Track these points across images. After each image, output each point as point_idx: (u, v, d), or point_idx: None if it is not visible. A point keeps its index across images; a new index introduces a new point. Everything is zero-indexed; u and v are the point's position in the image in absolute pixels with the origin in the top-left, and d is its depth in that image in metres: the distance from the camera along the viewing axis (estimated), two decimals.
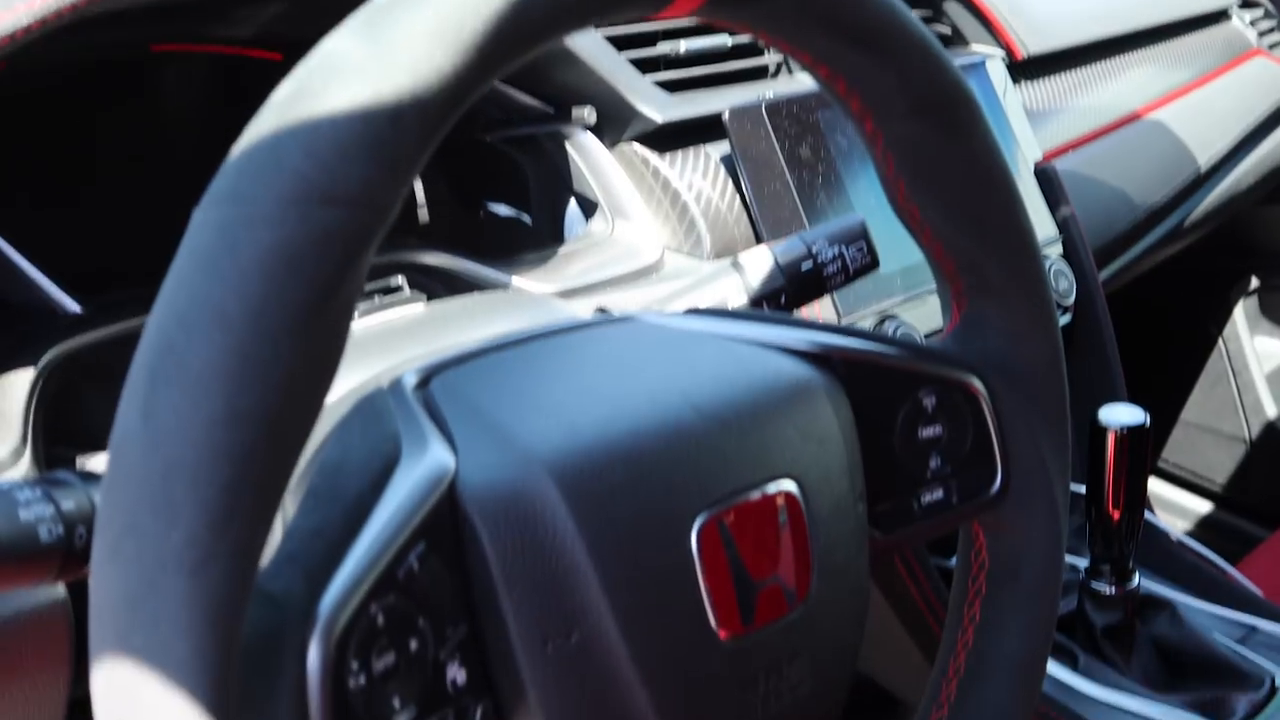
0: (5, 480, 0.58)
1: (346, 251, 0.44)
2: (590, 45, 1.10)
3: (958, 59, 0.66)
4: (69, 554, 0.57)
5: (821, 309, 1.10)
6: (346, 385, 0.70)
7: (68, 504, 0.57)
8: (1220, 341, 2.24)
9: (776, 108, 1.13)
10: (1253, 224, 2.15)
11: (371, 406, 0.59)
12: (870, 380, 0.69)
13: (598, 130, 1.13)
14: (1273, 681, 1.14)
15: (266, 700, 0.46)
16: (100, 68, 1.09)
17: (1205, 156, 1.75)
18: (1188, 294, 2.26)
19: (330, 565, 0.49)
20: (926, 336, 1.13)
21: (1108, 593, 1.16)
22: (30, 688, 0.72)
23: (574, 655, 0.55)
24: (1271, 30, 2.04)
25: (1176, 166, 1.71)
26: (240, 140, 0.45)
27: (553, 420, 0.57)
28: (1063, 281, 1.35)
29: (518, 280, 0.99)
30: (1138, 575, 1.17)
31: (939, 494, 0.72)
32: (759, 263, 0.85)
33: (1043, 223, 1.37)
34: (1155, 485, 2.36)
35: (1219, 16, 1.92)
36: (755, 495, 0.60)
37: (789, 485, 0.61)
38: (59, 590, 0.72)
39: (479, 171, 1.22)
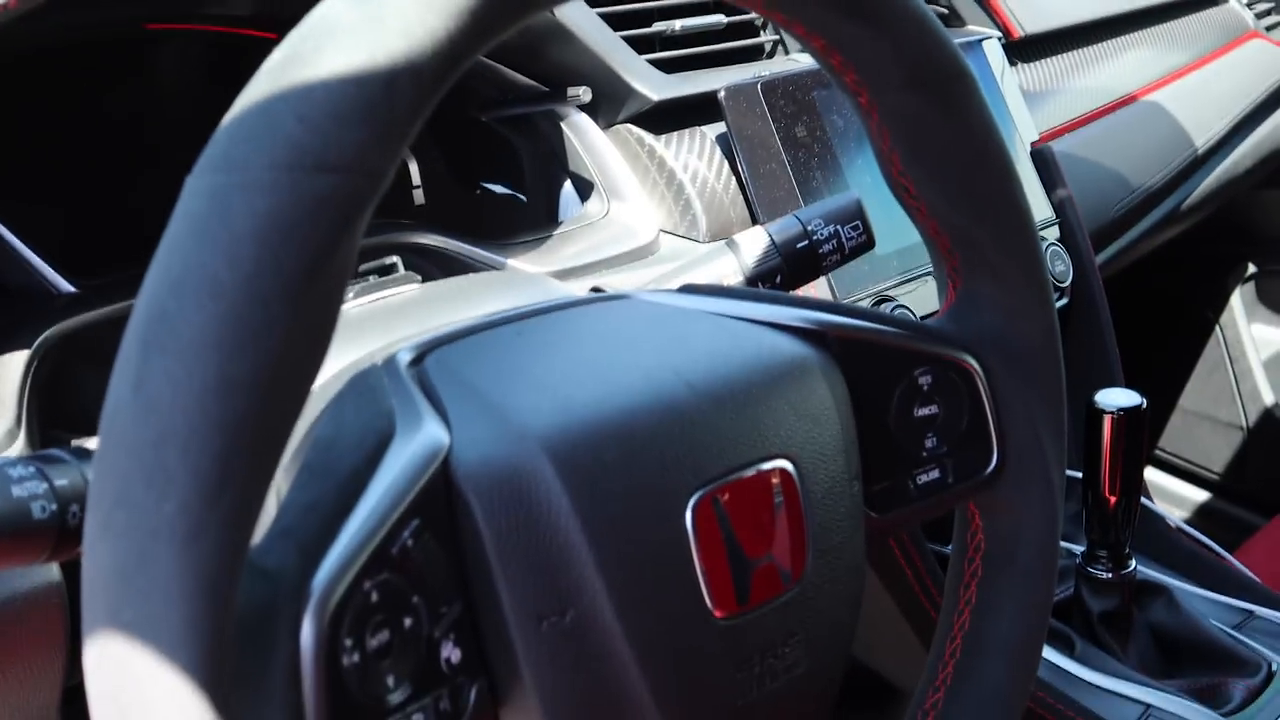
0: None
1: (340, 217, 0.43)
2: (586, 24, 1.09)
3: (954, 38, 0.65)
4: (63, 532, 0.56)
5: (818, 290, 1.10)
6: (341, 363, 0.70)
7: (61, 481, 0.57)
8: (1217, 328, 2.24)
9: (773, 87, 1.13)
10: (1250, 209, 2.15)
11: (365, 383, 0.59)
12: (865, 358, 0.68)
13: (593, 110, 1.13)
14: (1269, 667, 1.14)
15: (260, 676, 0.45)
16: (95, 48, 1.08)
17: (1202, 139, 1.74)
18: (1185, 280, 2.26)
19: (324, 541, 0.49)
20: (923, 318, 1.13)
21: (1104, 578, 1.16)
22: (24, 672, 0.72)
23: (569, 634, 0.55)
24: (1269, 12, 2.04)
25: (1173, 148, 1.70)
26: (233, 107, 0.44)
27: (547, 397, 0.57)
28: (1059, 264, 1.35)
29: (513, 261, 0.99)
30: (1134, 561, 1.16)
31: (935, 474, 0.72)
32: (754, 242, 0.85)
33: (1039, 204, 1.37)
34: (1152, 474, 2.35)
35: None
36: (750, 473, 0.59)
37: (784, 463, 0.61)
38: (54, 573, 0.71)
39: (474, 152, 1.22)
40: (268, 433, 0.43)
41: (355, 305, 0.83)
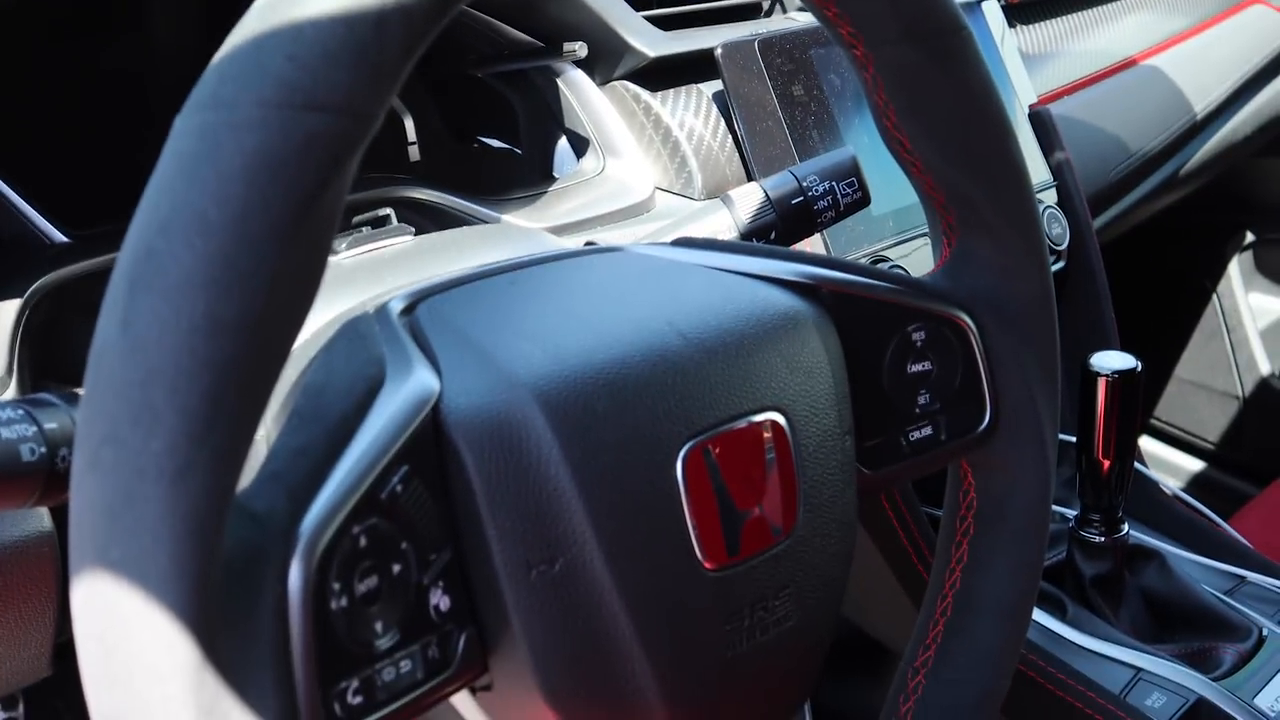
0: None
1: (329, 157, 0.43)
2: None
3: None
4: (51, 475, 0.56)
5: (813, 249, 1.10)
6: (332, 313, 0.70)
7: (51, 425, 0.57)
8: (1215, 297, 2.24)
9: (770, 45, 1.12)
10: (1249, 177, 2.15)
11: (356, 330, 0.58)
12: (859, 313, 0.68)
13: (589, 66, 1.13)
14: (1260, 632, 1.14)
15: (247, 618, 0.45)
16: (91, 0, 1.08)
17: (1202, 103, 1.74)
18: (1183, 249, 2.26)
19: (313, 485, 0.49)
20: None
21: (1097, 542, 1.16)
22: (14, 622, 0.72)
23: (558, 582, 0.55)
24: None
25: (1172, 112, 1.70)
26: (224, 46, 0.44)
27: (538, 346, 0.57)
28: (1056, 227, 1.34)
29: (508, 217, 0.99)
30: (1127, 525, 1.17)
31: (928, 430, 0.72)
32: (749, 198, 0.85)
33: (1036, 167, 1.37)
34: (1148, 443, 2.36)
35: None
36: (741, 424, 0.59)
37: (775, 416, 0.61)
38: (45, 522, 0.71)
39: (470, 108, 1.21)
40: (255, 373, 0.43)
41: (347, 256, 0.83)
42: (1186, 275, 2.27)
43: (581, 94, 1.11)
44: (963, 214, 0.70)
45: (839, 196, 0.86)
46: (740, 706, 0.62)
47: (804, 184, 0.86)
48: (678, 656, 0.58)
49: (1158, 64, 1.69)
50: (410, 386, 0.54)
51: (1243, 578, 1.24)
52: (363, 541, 0.49)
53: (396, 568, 0.51)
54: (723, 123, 1.14)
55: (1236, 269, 2.22)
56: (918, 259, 1.16)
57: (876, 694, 0.77)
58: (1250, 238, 2.20)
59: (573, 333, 0.58)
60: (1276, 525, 1.58)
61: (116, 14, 1.11)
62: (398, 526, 0.51)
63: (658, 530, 0.56)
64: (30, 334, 0.77)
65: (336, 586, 0.48)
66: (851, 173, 0.87)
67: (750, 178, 1.12)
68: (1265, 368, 2.18)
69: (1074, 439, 1.15)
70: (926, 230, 0.74)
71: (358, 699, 0.49)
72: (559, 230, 0.98)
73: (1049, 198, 1.37)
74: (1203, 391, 2.27)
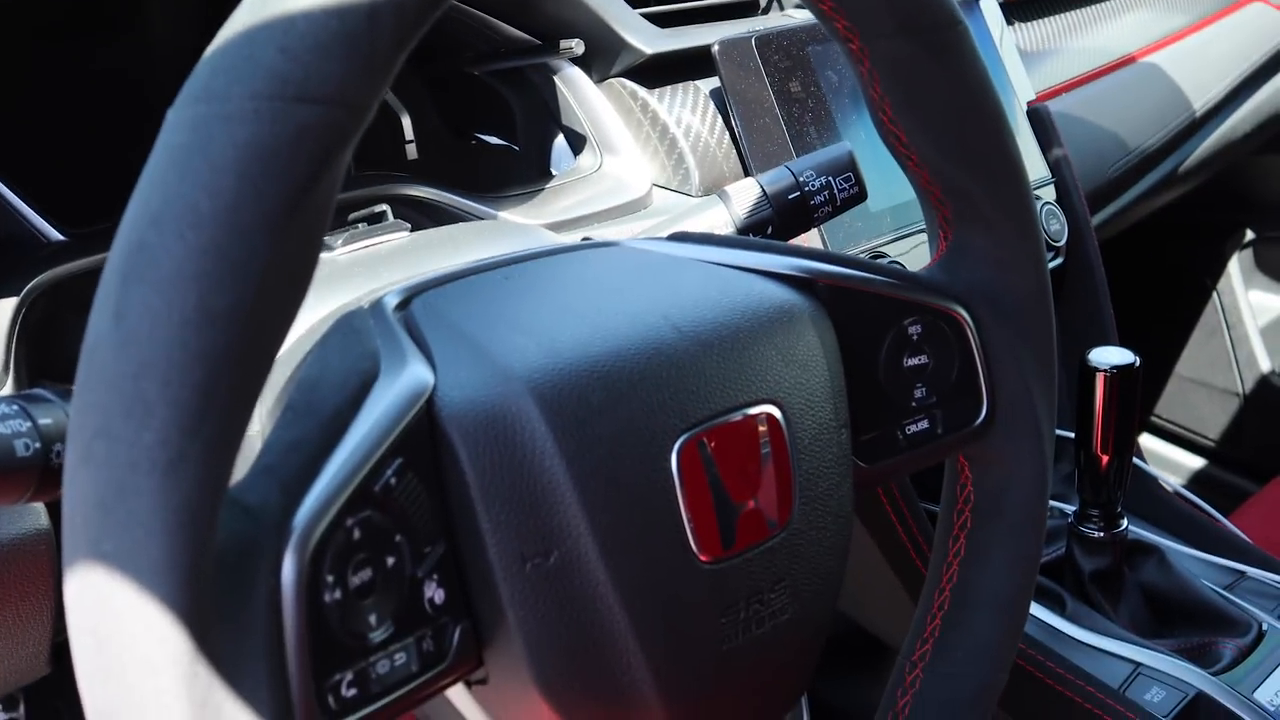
0: None
1: (321, 149, 0.43)
2: None
3: None
4: (46, 470, 0.56)
5: (810, 244, 1.10)
6: (328, 308, 0.70)
7: (45, 420, 0.57)
8: (1215, 295, 2.24)
9: (767, 41, 1.12)
10: (1248, 175, 2.15)
11: (351, 325, 0.58)
12: (855, 307, 0.68)
13: (586, 64, 1.13)
14: (1259, 627, 1.14)
15: (241, 611, 0.45)
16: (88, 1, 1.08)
17: (1200, 101, 1.74)
18: (1183, 246, 2.26)
19: (306, 478, 0.49)
20: None
21: (1096, 537, 1.16)
22: (11, 620, 0.72)
23: (553, 576, 0.55)
24: None
25: (1171, 110, 1.70)
26: (216, 39, 0.44)
27: (533, 339, 0.57)
28: (1054, 223, 1.34)
29: (504, 213, 0.99)
30: (1126, 520, 1.17)
31: (924, 424, 0.72)
32: (746, 193, 0.85)
33: (1035, 164, 1.37)
34: (1148, 440, 2.36)
35: None
36: (736, 417, 0.59)
37: (771, 409, 0.61)
38: (42, 520, 0.71)
39: (467, 106, 1.21)
40: (247, 365, 0.43)
41: (343, 252, 0.83)
42: (1187, 273, 2.27)
43: (578, 91, 1.11)
44: (959, 208, 0.70)
45: (836, 191, 0.86)
46: (736, 700, 0.62)
47: (800, 179, 0.86)
48: (673, 649, 0.58)
49: (1156, 61, 1.69)
50: (404, 380, 0.54)
51: (1242, 573, 1.24)
52: (356, 534, 0.49)
53: (390, 560, 0.51)
54: (720, 120, 1.14)
55: (1236, 266, 2.21)
56: (916, 255, 1.16)
57: (875, 690, 0.77)
58: (1250, 235, 2.20)
59: (568, 326, 0.58)
60: (1276, 521, 1.58)
61: (114, 14, 1.11)
62: (392, 519, 0.51)
63: (652, 523, 0.56)
64: (27, 332, 0.78)
65: (330, 579, 0.48)
66: (848, 168, 0.87)
67: (747, 174, 1.12)
68: (1265, 365, 2.18)
69: (1073, 434, 1.14)
70: (924, 226, 0.74)
71: (352, 691, 0.49)
72: (556, 227, 0.98)
73: (1047, 194, 1.36)
74: (1203, 389, 2.27)
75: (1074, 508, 1.18)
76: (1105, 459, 1.12)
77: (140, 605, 0.40)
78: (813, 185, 0.86)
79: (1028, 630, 1.13)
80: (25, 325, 0.78)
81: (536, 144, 1.15)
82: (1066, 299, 1.38)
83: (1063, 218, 1.36)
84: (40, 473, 0.56)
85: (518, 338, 0.57)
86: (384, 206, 0.90)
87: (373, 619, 0.50)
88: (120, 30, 1.12)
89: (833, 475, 0.64)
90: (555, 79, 1.12)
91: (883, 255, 1.14)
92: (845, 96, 1.17)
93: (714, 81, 1.14)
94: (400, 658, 0.52)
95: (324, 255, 0.81)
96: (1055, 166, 1.38)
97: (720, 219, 0.84)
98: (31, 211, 0.85)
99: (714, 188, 1.07)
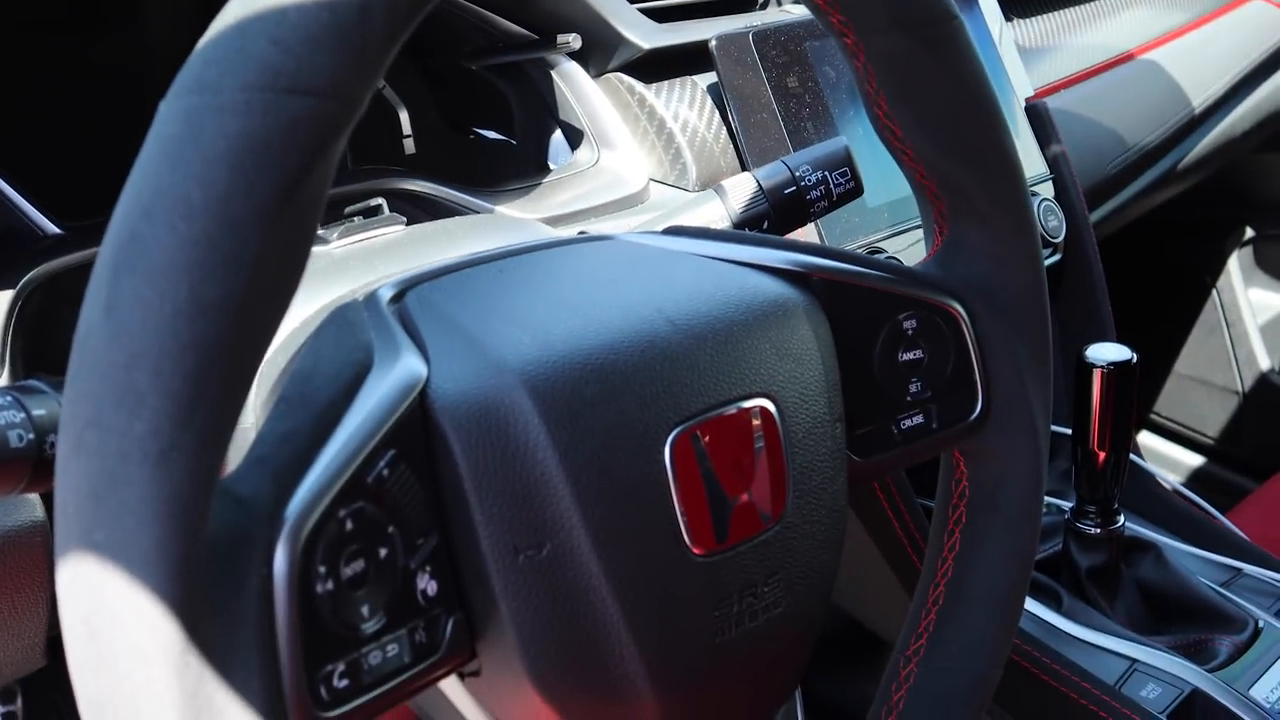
0: None
1: (313, 141, 0.43)
2: None
3: None
4: (39, 461, 0.57)
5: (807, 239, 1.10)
6: (322, 301, 0.70)
7: (39, 411, 0.57)
8: (1215, 292, 2.24)
9: (764, 37, 1.13)
10: (1248, 173, 2.15)
11: (344, 317, 0.58)
12: (850, 301, 0.68)
13: (583, 58, 1.13)
14: (1256, 624, 1.14)
15: (233, 601, 0.45)
16: None
17: (1200, 98, 1.74)
18: (1183, 244, 2.26)
19: (299, 469, 0.49)
20: None
21: (1093, 533, 1.16)
22: (7, 613, 0.72)
23: (545, 568, 0.55)
24: None
25: (1170, 107, 1.70)
26: (208, 31, 0.44)
27: (526, 332, 0.57)
28: (1052, 219, 1.34)
29: (501, 208, 0.99)
30: (1123, 517, 1.17)
31: (919, 419, 0.72)
32: (742, 188, 0.85)
33: (1033, 160, 1.37)
34: (1147, 437, 2.36)
35: None
36: (730, 410, 0.59)
37: (765, 402, 0.61)
38: (37, 512, 0.72)
39: (465, 101, 1.21)
40: (239, 355, 0.43)
41: (339, 245, 0.83)
42: (1186, 271, 2.27)
43: (576, 86, 1.11)
44: (954, 202, 0.70)
45: (832, 186, 0.86)
46: (729, 693, 0.62)
47: (797, 174, 0.86)
48: (666, 643, 0.58)
49: (1155, 59, 1.69)
50: (397, 372, 0.54)
51: (1239, 570, 1.24)
52: (349, 525, 0.49)
53: (383, 552, 0.51)
54: (717, 115, 1.14)
55: (1236, 264, 2.21)
56: (913, 251, 1.16)
57: (871, 686, 0.77)
58: (1250, 233, 2.20)
59: (561, 319, 0.58)
60: (1274, 519, 1.58)
61: (110, 8, 1.11)
62: (384, 511, 0.51)
63: (646, 516, 0.56)
64: (22, 325, 0.78)
65: (322, 570, 0.48)
66: (844, 162, 0.87)
67: (744, 170, 1.12)
68: (1265, 363, 2.18)
69: (1070, 431, 1.15)
70: (922, 223, 0.74)
71: (344, 682, 0.49)
72: (553, 221, 0.98)
73: (1046, 191, 1.36)
74: (1202, 386, 2.27)
75: (1071, 504, 1.18)
76: (1102, 455, 1.12)
77: (132, 594, 0.40)
78: (809, 180, 0.86)
79: (1024, 626, 1.14)
80: (21, 318, 0.78)
81: (534, 139, 1.15)
82: (1065, 296, 1.38)
83: (1061, 214, 1.36)
84: (34, 464, 0.56)
85: (511, 330, 0.57)
86: (380, 200, 0.90)
87: (365, 610, 0.50)
88: (117, 25, 1.12)
89: (827, 469, 0.64)
90: (552, 74, 1.12)
91: (880, 251, 1.14)
92: (843, 92, 1.17)
93: (711, 77, 1.14)
94: (393, 649, 0.52)
95: (319, 248, 0.82)
96: (1053, 163, 1.38)
97: (716, 214, 0.84)
98: (28, 205, 0.86)
99: (711, 183, 1.08)
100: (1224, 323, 2.23)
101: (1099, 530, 1.16)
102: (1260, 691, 1.07)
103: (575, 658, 0.56)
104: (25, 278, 0.79)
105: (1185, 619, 1.18)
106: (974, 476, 0.75)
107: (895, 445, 0.71)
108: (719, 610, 0.59)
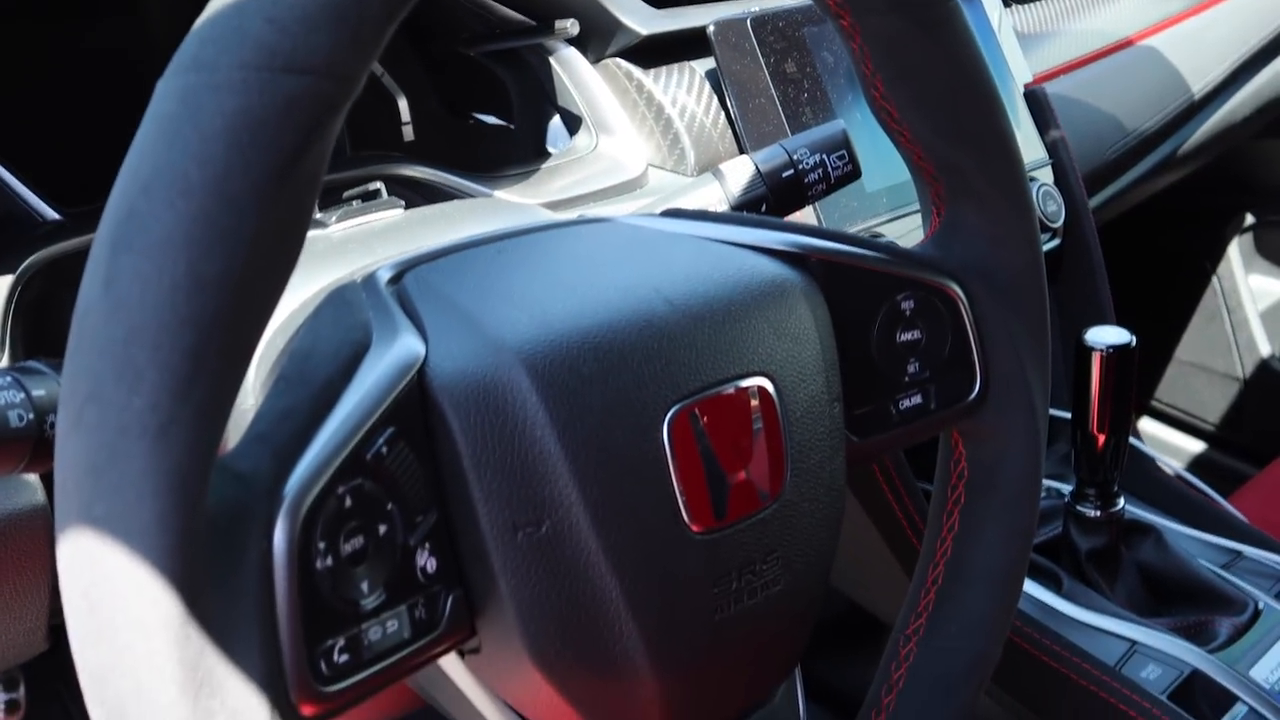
0: None
1: (309, 119, 0.43)
2: None
3: None
4: (39, 441, 0.57)
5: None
6: (321, 283, 0.70)
7: (39, 391, 0.57)
8: (1215, 279, 2.24)
9: (762, 22, 1.13)
10: (1249, 159, 2.14)
11: (343, 298, 0.59)
12: (848, 282, 0.68)
13: (581, 44, 1.13)
14: (1256, 606, 1.15)
15: (232, 576, 0.46)
16: None
17: (1199, 84, 1.74)
18: (1183, 231, 2.25)
19: (298, 446, 0.49)
20: None
21: (1093, 516, 1.16)
22: (9, 595, 0.72)
23: (545, 545, 0.55)
24: None
25: (1170, 92, 1.70)
26: (205, 10, 0.44)
27: (524, 311, 0.57)
28: (1051, 204, 1.34)
29: (500, 193, 0.99)
30: (1122, 499, 1.17)
31: (917, 399, 0.72)
32: (740, 171, 0.85)
33: (1032, 146, 1.37)
34: (1147, 424, 2.36)
35: None
36: (728, 389, 0.59)
37: (763, 381, 0.61)
38: (38, 495, 0.72)
39: (464, 87, 1.22)
40: (238, 330, 0.43)
41: (337, 229, 0.83)
42: (1187, 257, 2.27)
43: (574, 72, 1.11)
44: (951, 183, 0.70)
45: (830, 169, 0.87)
46: (728, 670, 0.62)
47: (794, 157, 0.86)
48: (665, 619, 0.58)
49: (1155, 44, 1.69)
50: (396, 351, 0.54)
51: (1239, 553, 1.25)
52: (348, 502, 0.50)
53: (382, 528, 0.51)
54: (715, 100, 1.14)
55: (1237, 251, 2.21)
56: (912, 236, 1.16)
57: (871, 668, 0.77)
58: (1250, 220, 2.20)
59: (559, 299, 0.58)
60: (1274, 503, 1.58)
61: None
62: (383, 487, 0.52)
63: (644, 493, 0.57)
64: (22, 310, 0.78)
65: (322, 546, 0.49)
66: (842, 145, 0.87)
67: (743, 155, 1.11)
68: (1265, 349, 2.18)
69: (1070, 415, 1.15)
70: (920, 207, 0.74)
71: (344, 657, 0.50)
72: (552, 206, 0.98)
73: (1045, 176, 1.37)
74: (1203, 373, 2.27)
75: (1071, 487, 1.19)
76: (1102, 438, 1.12)
77: (132, 568, 0.41)
78: (807, 163, 0.86)
79: (1024, 608, 1.14)
80: (21, 303, 0.78)
81: (532, 124, 1.15)
82: (1064, 280, 1.39)
83: (1060, 199, 1.36)
84: (34, 443, 0.57)
85: (509, 310, 0.57)
86: (379, 184, 0.90)
87: (365, 586, 0.51)
88: (115, 10, 1.12)
89: (825, 448, 0.64)
90: (551, 60, 1.12)
91: (879, 235, 1.14)
92: (840, 77, 1.17)
93: (709, 62, 1.14)
94: (392, 625, 0.52)
95: (317, 232, 0.82)
96: (1053, 148, 1.38)
97: (715, 197, 0.84)
98: (27, 190, 0.86)
99: (709, 168, 1.08)
100: (1224, 309, 2.23)
101: (1099, 513, 1.16)
102: (1260, 672, 1.07)
103: (574, 634, 0.57)
104: (25, 263, 0.79)
105: (1185, 601, 1.18)
106: (973, 456, 0.75)
107: (893, 425, 0.71)
108: (718, 587, 0.59)
